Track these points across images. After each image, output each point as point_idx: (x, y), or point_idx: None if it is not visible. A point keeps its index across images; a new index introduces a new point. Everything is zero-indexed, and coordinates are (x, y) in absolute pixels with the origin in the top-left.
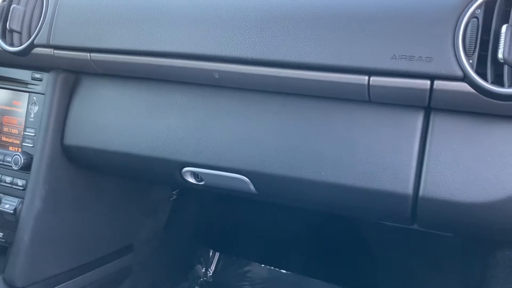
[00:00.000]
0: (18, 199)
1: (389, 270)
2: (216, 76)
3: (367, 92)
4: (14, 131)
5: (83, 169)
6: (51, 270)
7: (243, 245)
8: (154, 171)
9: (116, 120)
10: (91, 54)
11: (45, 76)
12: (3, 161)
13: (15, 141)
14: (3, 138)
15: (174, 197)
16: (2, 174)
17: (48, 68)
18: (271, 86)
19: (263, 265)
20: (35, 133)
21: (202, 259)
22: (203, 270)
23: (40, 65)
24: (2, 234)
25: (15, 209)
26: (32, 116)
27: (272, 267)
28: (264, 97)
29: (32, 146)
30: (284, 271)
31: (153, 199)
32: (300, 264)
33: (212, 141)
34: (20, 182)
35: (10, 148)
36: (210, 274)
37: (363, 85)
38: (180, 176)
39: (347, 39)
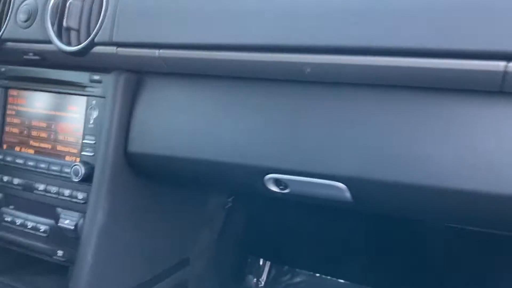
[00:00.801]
0: (78, 213)
1: (460, 278)
2: (308, 70)
3: (501, 80)
4: (71, 139)
5: (144, 178)
6: None
7: (296, 253)
8: (231, 179)
9: (186, 124)
10: (159, 51)
11: (105, 77)
12: (61, 172)
13: (72, 150)
14: (59, 148)
15: (230, 204)
16: (59, 187)
17: (109, 69)
18: (377, 78)
19: (317, 275)
20: (95, 140)
21: (253, 269)
22: (254, 281)
23: (99, 66)
24: (62, 252)
25: (76, 225)
26: (91, 122)
27: (328, 277)
28: (364, 92)
29: (93, 155)
30: (341, 280)
31: (210, 207)
32: (358, 273)
33: (301, 144)
34: (80, 195)
35: (67, 158)
36: (262, 285)
37: (497, 72)
38: (261, 184)
39: (480, 20)
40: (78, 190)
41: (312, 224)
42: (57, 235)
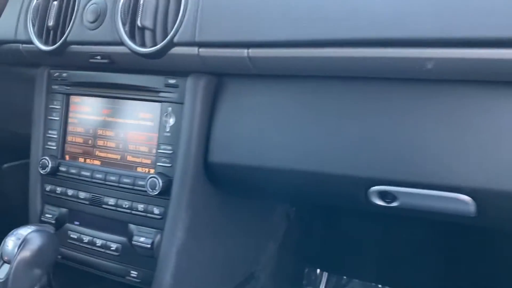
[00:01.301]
0: (154, 230)
1: None
2: (429, 65)
3: None
4: (143, 148)
5: (220, 190)
6: None
7: (354, 263)
8: (327, 191)
9: (275, 131)
10: (248, 50)
11: (182, 81)
12: (133, 185)
13: (145, 161)
14: (129, 158)
15: (293, 214)
16: (132, 201)
17: (186, 72)
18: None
19: (380, 286)
20: (172, 150)
21: (310, 280)
22: None
23: (176, 69)
24: (136, 273)
25: (152, 243)
26: (167, 131)
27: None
28: (496, 90)
29: (170, 166)
30: None
31: (276, 218)
32: (420, 283)
33: (417, 150)
34: (156, 209)
35: (139, 169)
36: None
37: None
38: (363, 196)
39: None
40: (153, 204)
41: (371, 233)
42: (130, 253)
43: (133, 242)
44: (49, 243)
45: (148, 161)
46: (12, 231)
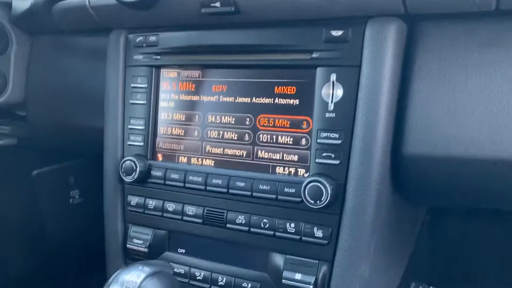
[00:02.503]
0: (316, 261)
1: None
2: None
3: None
4: (285, 139)
5: (406, 200)
6: None
7: (467, 277)
8: None
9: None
10: None
11: (355, 32)
12: (277, 193)
13: (289, 157)
14: (262, 154)
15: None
16: (276, 218)
17: (356, 18)
18: None
19: None
20: (341, 139)
21: None
22: None
23: (345, 12)
24: None
25: (315, 282)
26: (331, 110)
27: None
28: None
29: (338, 164)
30: None
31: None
32: None
33: None
34: (319, 230)
35: (278, 170)
36: None
37: None
38: None
39: None
40: (313, 223)
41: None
42: None
43: (283, 281)
44: None
45: (294, 157)
46: (115, 275)
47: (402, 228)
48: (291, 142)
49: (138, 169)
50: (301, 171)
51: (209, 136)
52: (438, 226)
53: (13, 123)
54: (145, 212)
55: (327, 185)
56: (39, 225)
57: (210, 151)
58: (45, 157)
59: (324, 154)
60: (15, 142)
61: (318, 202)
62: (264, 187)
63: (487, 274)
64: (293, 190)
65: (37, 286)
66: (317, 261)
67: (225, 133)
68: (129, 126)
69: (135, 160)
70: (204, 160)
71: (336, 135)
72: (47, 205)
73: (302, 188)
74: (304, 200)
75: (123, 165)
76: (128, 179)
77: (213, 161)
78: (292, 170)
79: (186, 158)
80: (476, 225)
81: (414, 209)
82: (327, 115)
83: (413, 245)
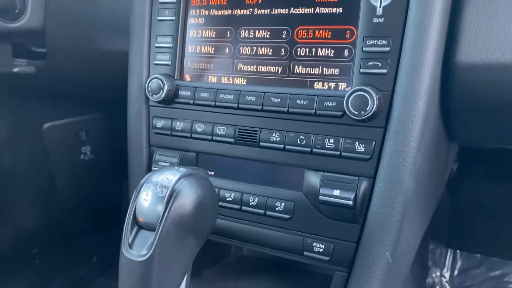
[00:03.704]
0: (356, 178)
1: None
2: None
3: None
4: (326, 51)
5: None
6: None
7: (487, 238)
8: None
9: None
10: None
11: None
12: (314, 108)
13: (329, 70)
14: (300, 69)
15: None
16: (312, 134)
17: None
18: None
19: None
20: (389, 47)
21: (434, 260)
22: (438, 274)
23: None
24: (322, 246)
25: (355, 198)
26: (379, 14)
27: None
28: None
29: (385, 74)
30: None
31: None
32: None
33: None
34: (361, 145)
35: (317, 85)
36: (447, 279)
37: None
38: None
39: None
40: (354, 137)
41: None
42: (310, 216)
43: (320, 197)
44: (210, 195)
45: (335, 71)
46: (148, 176)
47: (438, 165)
48: (332, 55)
49: (165, 87)
50: (342, 85)
51: (241, 52)
52: (461, 185)
53: (32, 56)
54: (172, 134)
55: (373, 94)
56: (50, 180)
57: (242, 69)
58: (57, 110)
59: (370, 64)
60: (33, 71)
61: (362, 112)
62: (302, 102)
63: (509, 242)
64: (334, 104)
65: (47, 241)
66: (357, 178)
67: (259, 48)
68: (156, 45)
69: (162, 78)
70: (235, 79)
71: (385, 42)
72: (57, 160)
73: (345, 99)
74: (346, 112)
75: (150, 84)
76: (154, 98)
77: (245, 80)
78: (332, 84)
79: (216, 77)
80: (499, 189)
81: (448, 146)
82: (374, 20)
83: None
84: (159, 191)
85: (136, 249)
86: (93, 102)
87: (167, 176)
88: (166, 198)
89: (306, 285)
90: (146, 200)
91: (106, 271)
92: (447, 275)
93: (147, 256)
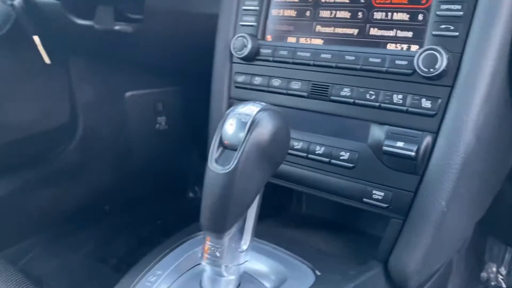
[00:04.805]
0: (420, 132)
1: None
2: None
3: None
4: (401, 16)
5: None
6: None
7: None
8: None
9: None
10: None
11: None
12: (384, 66)
13: (402, 34)
14: (375, 31)
15: None
16: (381, 90)
17: None
18: None
19: None
20: (463, 10)
21: (492, 255)
22: (494, 270)
23: None
24: (382, 194)
25: (417, 150)
26: None
27: None
28: None
29: (456, 36)
30: None
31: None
32: None
33: None
34: (427, 101)
35: (390, 46)
36: (503, 277)
37: None
38: None
39: None
40: (421, 94)
41: None
42: (372, 166)
43: (384, 148)
44: (284, 128)
45: (408, 34)
46: (233, 107)
47: (500, 133)
48: (407, 19)
49: (249, 45)
50: (414, 47)
51: (320, 16)
52: None
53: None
54: (251, 88)
55: (443, 53)
56: (127, 145)
57: (320, 30)
58: (138, 81)
59: (443, 27)
60: (130, 30)
61: (431, 70)
62: (374, 60)
63: None
64: (405, 62)
65: (118, 200)
66: (420, 132)
67: (338, 12)
68: (243, 7)
69: (247, 36)
70: (313, 39)
71: (459, 7)
72: (134, 127)
73: (416, 56)
74: (416, 70)
75: (235, 41)
76: (238, 54)
77: (322, 40)
78: (405, 46)
79: (295, 38)
80: None
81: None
82: None
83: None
84: (243, 117)
85: (221, 163)
86: (172, 75)
87: (250, 108)
88: (248, 124)
89: (359, 243)
90: (231, 125)
91: (169, 234)
92: (503, 272)
93: (230, 169)
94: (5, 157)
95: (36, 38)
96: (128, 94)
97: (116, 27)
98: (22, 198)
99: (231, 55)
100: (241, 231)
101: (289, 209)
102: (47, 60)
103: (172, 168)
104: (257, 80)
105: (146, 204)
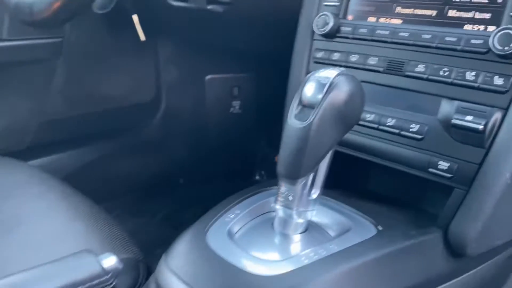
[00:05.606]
0: (488, 108)
1: None
2: None
3: None
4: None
5: None
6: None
7: None
8: None
9: None
10: None
11: None
12: (460, 45)
13: (480, 16)
14: (453, 13)
15: None
16: (454, 67)
17: None
18: None
19: None
20: None
21: None
22: None
23: None
24: (447, 165)
25: (486, 124)
26: None
27: None
28: None
29: None
30: None
31: None
32: None
33: None
34: (499, 79)
35: (467, 27)
36: None
37: None
38: None
39: None
40: (493, 72)
41: None
42: (440, 138)
43: (453, 121)
44: (360, 92)
45: (486, 16)
46: (311, 73)
47: None
48: (486, 1)
49: (331, 23)
50: (491, 28)
51: None
52: None
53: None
54: (329, 63)
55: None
56: (204, 125)
57: (399, 11)
58: (218, 65)
59: None
60: (221, 10)
61: (506, 48)
62: (450, 39)
63: None
64: (481, 42)
65: (191, 175)
66: (490, 108)
67: None
68: None
69: (329, 15)
70: (391, 19)
71: None
72: (211, 109)
73: (492, 36)
74: (491, 48)
75: (318, 19)
76: (319, 31)
77: (401, 20)
78: (482, 27)
79: (375, 18)
80: None
81: None
82: None
83: None
84: (322, 80)
85: (299, 118)
86: (249, 62)
87: (329, 72)
88: (327, 86)
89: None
90: (311, 86)
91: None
92: None
93: (307, 123)
94: (97, 125)
95: (135, 17)
96: (208, 77)
97: (209, 7)
98: (110, 163)
99: (313, 32)
100: (312, 181)
101: (355, 184)
102: (142, 37)
103: (241, 151)
104: (336, 55)
105: (215, 181)
